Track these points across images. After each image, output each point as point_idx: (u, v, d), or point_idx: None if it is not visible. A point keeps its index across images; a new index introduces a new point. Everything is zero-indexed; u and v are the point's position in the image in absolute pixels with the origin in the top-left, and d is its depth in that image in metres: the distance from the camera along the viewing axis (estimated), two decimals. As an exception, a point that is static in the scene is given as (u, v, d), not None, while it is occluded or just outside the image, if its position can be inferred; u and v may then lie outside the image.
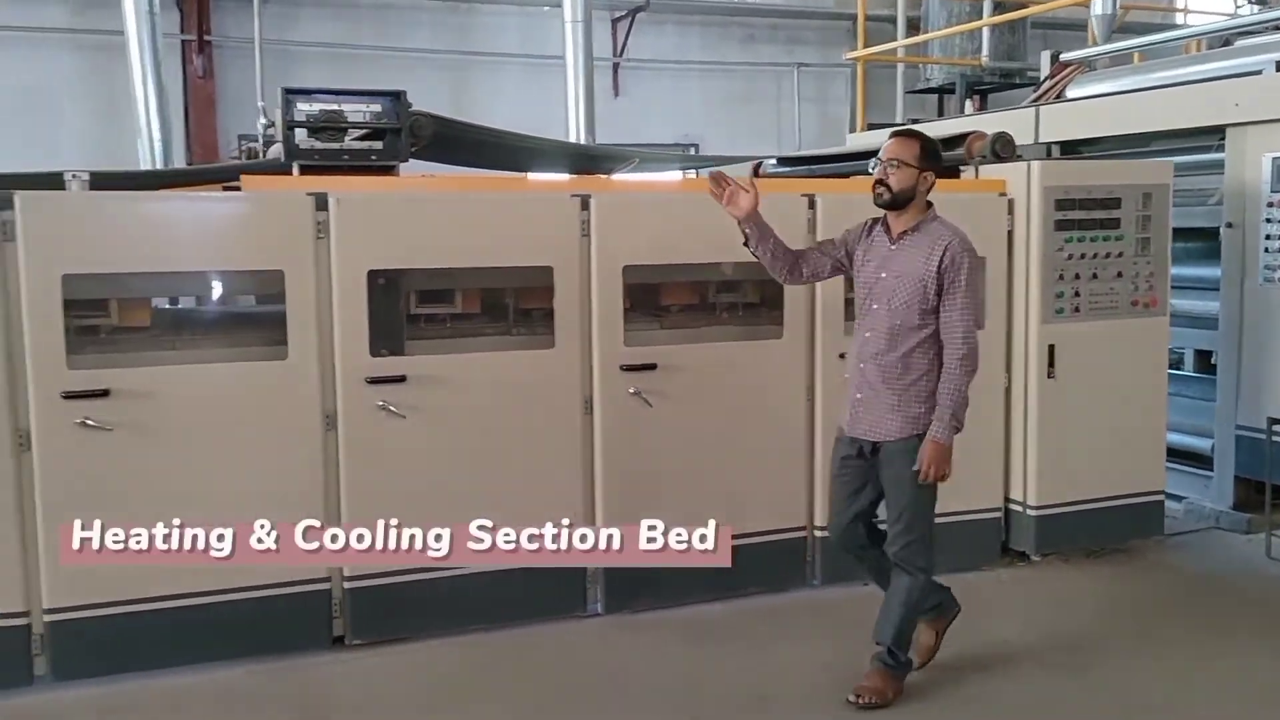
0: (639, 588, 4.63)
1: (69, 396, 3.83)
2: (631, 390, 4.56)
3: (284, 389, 4.14)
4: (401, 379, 4.23)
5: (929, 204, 3.84)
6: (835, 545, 4.08)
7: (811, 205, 4.84)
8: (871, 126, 9.63)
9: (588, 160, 6.07)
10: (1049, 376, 5.15)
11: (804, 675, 4.09)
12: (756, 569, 4.81)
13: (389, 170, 4.51)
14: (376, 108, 4.46)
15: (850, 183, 5.36)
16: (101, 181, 4.10)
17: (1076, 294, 5.19)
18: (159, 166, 6.88)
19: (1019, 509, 5.25)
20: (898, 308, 3.76)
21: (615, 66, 12.22)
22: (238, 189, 4.31)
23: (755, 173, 7.21)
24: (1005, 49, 10.82)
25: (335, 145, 4.42)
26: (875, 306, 3.82)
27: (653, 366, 4.59)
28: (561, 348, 4.49)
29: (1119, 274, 5.27)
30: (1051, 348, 5.14)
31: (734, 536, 4.75)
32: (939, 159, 3.86)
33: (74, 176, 4.08)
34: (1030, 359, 5.17)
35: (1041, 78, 8.69)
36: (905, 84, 11.82)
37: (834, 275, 4.11)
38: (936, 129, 6.91)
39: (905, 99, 11.89)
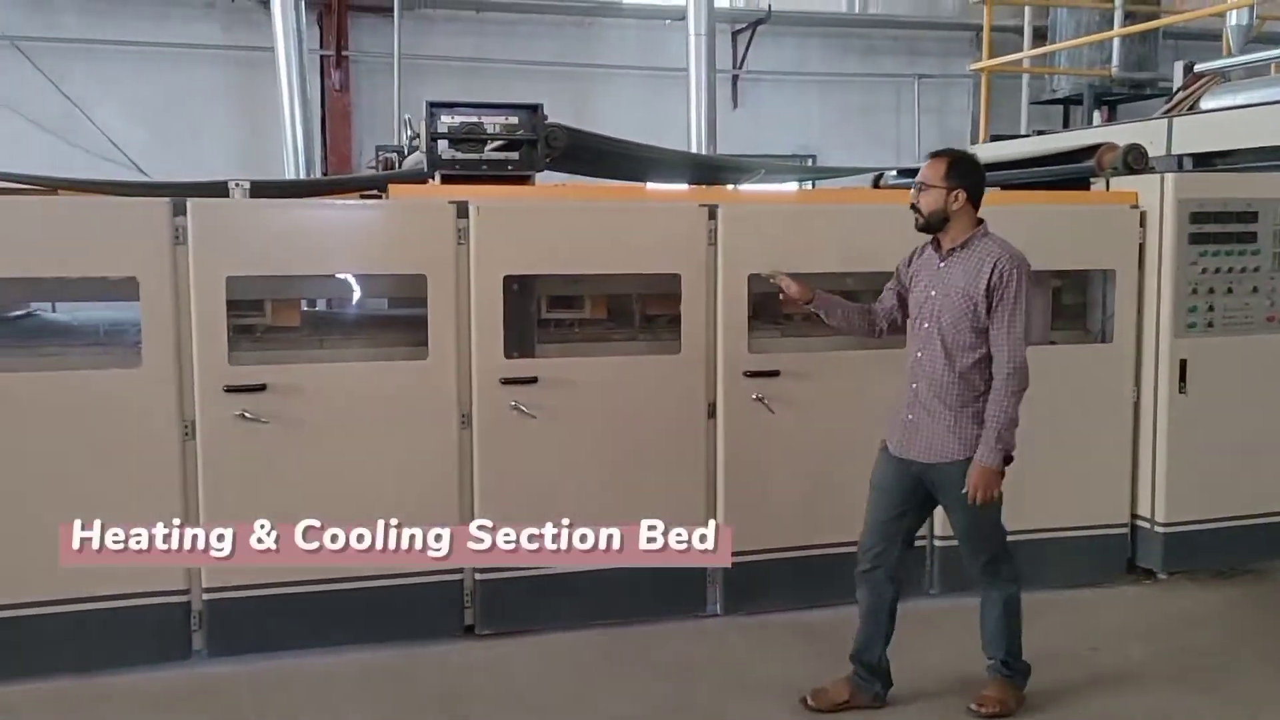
0: (757, 590, 4.73)
1: (230, 390, 4.10)
2: (755, 396, 4.65)
3: (423, 387, 4.34)
4: (533, 380, 4.41)
5: (980, 220, 3.76)
6: (865, 566, 3.90)
7: (938, 216, 4.85)
8: (995, 138, 9.53)
9: (713, 171, 6.19)
10: (1180, 392, 5.07)
11: (923, 681, 4.10)
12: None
13: (525, 180, 4.70)
14: (514, 120, 4.65)
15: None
16: (260, 190, 4.38)
17: (1210, 308, 5.11)
18: (303, 176, 7.20)
19: (1146, 526, 5.17)
20: (948, 326, 3.69)
21: (735, 78, 12.33)
22: (377, 197, 4.55)
23: (876, 184, 7.25)
24: (1135, 59, 10.59)
25: (474, 156, 4.62)
26: (926, 325, 3.76)
27: (776, 374, 4.68)
28: (687, 353, 4.61)
29: (1254, 289, 5.17)
30: (1183, 362, 5.07)
31: (853, 544, 4.89)
32: (971, 175, 3.73)
33: (236, 185, 4.37)
34: (1160, 373, 5.09)
35: (1174, 89, 8.50)
36: (1031, 95, 11.63)
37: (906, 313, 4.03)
38: (1065, 140, 6.85)
39: (1029, 110, 11.71)
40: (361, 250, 4.34)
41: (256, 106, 10.88)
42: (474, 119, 4.62)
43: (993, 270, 3.63)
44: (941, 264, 3.77)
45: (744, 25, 12.16)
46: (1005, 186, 5.55)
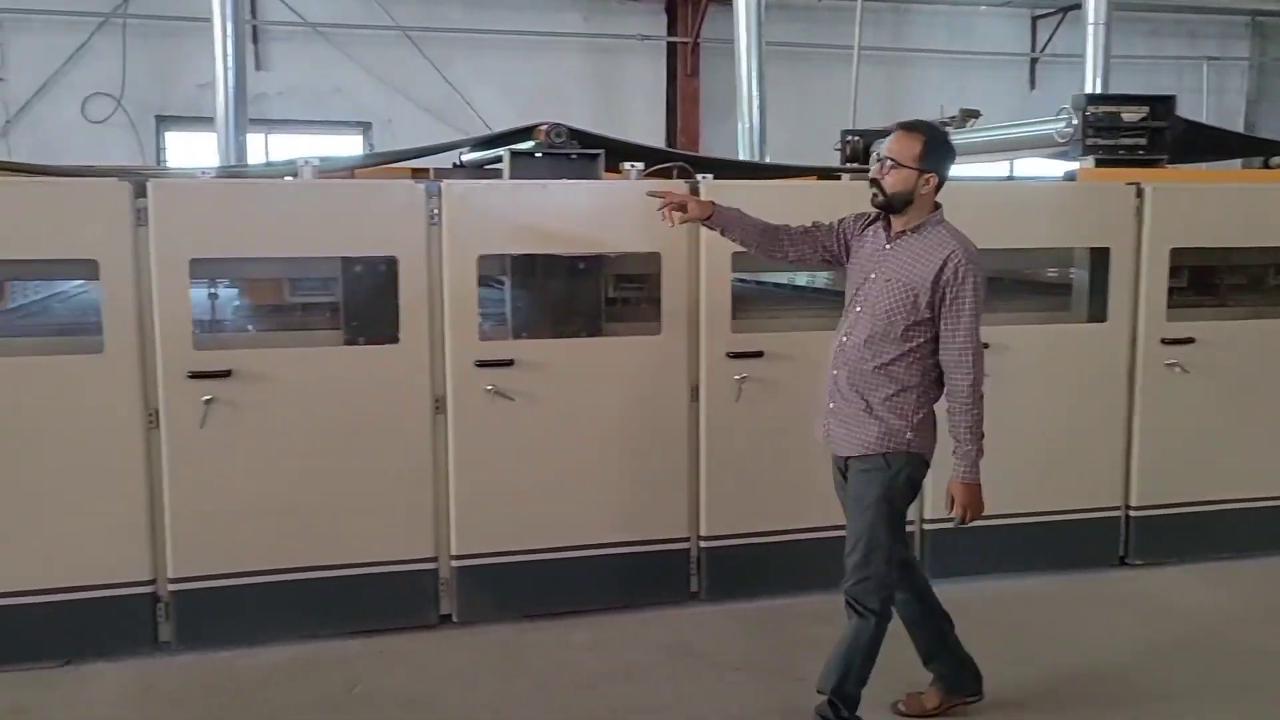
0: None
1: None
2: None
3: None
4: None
5: (937, 205, 3.17)
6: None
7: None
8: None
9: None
10: None
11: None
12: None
13: (1153, 164, 4.93)
14: (1145, 110, 4.97)
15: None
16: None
17: None
18: (758, 156, 7.34)
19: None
20: (880, 314, 3.11)
21: (1033, 62, 12.05)
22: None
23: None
24: None
25: (1112, 142, 4.93)
26: (858, 309, 3.20)
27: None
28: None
29: None
30: None
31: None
32: (947, 159, 3.14)
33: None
34: None
35: None
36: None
37: (822, 266, 3.56)
38: None
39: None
40: (1043, 226, 4.67)
41: (613, 89, 11.33)
42: (1114, 109, 4.94)
43: (945, 262, 3.03)
44: (888, 245, 3.18)
45: (1045, 11, 11.81)
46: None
